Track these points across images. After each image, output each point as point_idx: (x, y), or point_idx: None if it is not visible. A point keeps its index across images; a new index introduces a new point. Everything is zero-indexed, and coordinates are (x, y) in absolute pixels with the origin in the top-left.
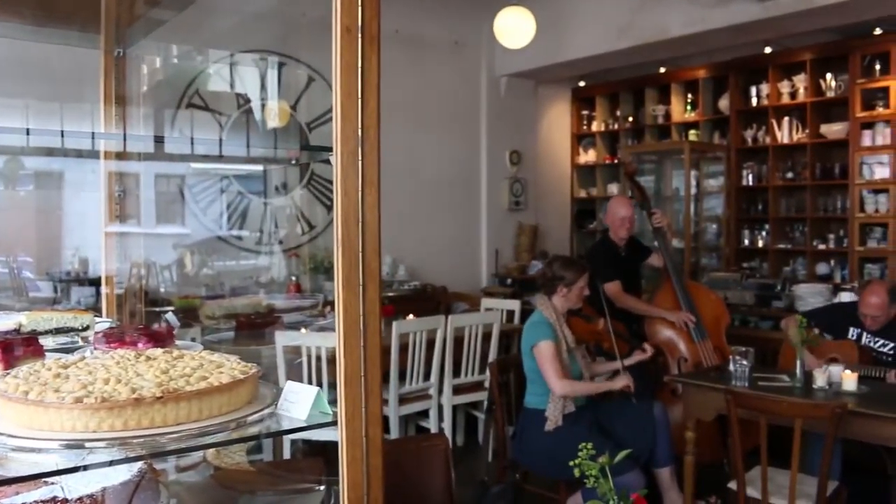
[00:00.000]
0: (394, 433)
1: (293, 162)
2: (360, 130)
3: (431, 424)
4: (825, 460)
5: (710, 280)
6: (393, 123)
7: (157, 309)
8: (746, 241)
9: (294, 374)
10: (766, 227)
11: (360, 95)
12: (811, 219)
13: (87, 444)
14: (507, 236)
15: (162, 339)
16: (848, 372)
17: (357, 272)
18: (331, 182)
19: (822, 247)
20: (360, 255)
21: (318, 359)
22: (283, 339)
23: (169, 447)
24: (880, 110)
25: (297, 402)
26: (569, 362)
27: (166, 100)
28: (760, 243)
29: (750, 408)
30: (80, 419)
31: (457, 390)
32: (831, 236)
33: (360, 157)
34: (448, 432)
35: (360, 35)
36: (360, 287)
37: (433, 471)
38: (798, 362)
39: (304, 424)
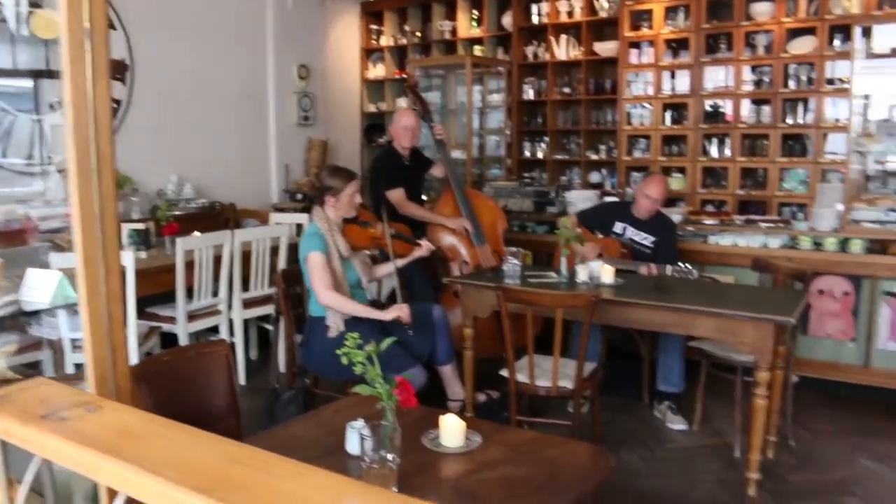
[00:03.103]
0: None
1: None
2: (87, 23)
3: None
4: (582, 343)
5: (491, 189)
6: (176, 37)
7: None
8: (527, 153)
9: None
10: (546, 139)
11: None
12: (585, 131)
13: None
14: (296, 151)
15: None
16: (606, 266)
17: (89, 158)
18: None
19: (594, 157)
20: (94, 143)
21: None
22: (59, 260)
23: None
24: (645, 31)
25: (40, 288)
26: (343, 270)
27: None
28: (540, 154)
29: (517, 301)
30: None
31: (247, 304)
32: (602, 147)
33: (88, 50)
34: (240, 347)
35: None
36: (95, 173)
37: (215, 376)
38: (563, 260)
39: (46, 307)
